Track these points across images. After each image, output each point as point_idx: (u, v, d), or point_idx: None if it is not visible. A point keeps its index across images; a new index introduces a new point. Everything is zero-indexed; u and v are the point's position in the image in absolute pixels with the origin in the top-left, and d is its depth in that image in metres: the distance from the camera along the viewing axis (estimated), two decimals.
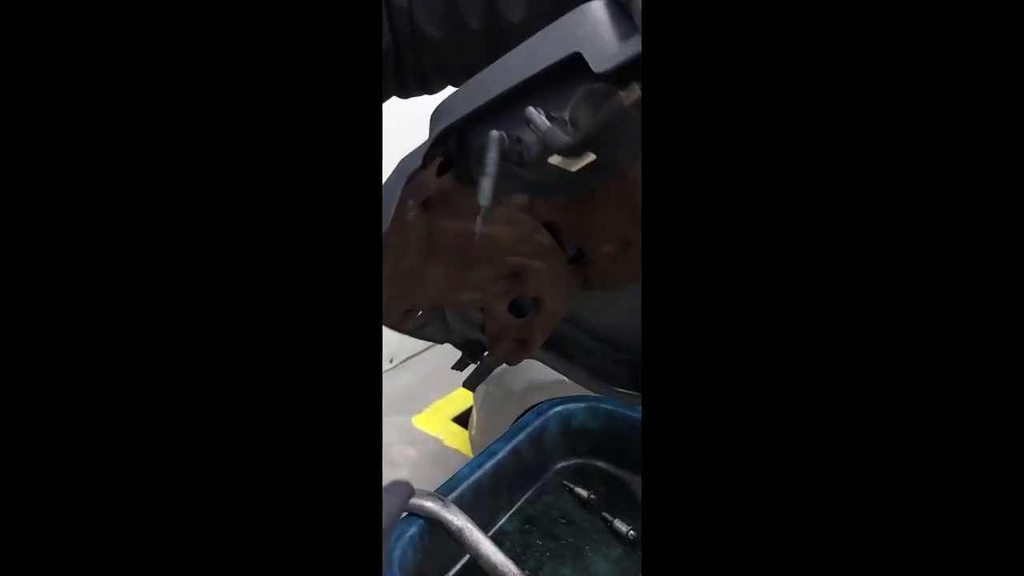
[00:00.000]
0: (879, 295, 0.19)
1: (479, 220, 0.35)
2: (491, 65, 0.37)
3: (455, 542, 0.50)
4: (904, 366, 0.19)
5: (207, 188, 0.21)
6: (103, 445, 0.20)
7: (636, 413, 0.63)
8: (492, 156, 0.35)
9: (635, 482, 0.62)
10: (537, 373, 1.13)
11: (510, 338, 0.57)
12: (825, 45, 0.19)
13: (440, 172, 0.40)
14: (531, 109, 0.33)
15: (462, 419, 1.71)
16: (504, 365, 0.59)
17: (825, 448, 0.19)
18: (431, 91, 0.47)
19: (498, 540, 0.57)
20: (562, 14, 0.37)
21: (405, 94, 0.49)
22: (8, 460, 0.20)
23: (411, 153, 0.39)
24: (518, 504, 0.61)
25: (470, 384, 0.62)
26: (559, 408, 0.64)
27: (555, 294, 0.54)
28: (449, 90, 0.41)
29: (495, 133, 0.35)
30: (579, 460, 0.65)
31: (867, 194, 0.19)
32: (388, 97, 0.49)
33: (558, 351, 0.62)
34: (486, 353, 0.60)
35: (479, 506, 0.56)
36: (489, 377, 0.99)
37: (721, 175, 0.20)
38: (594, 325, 0.62)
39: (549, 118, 0.34)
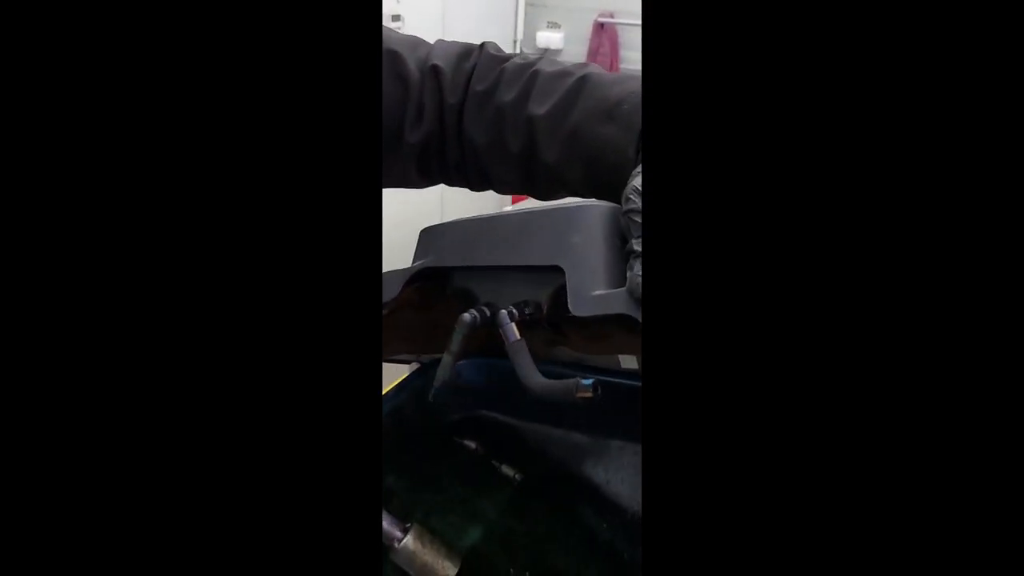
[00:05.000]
0: (879, 306, 0.19)
1: (435, 387, 0.37)
2: (489, 219, 0.38)
3: None
4: (900, 382, 0.19)
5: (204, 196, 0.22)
6: (102, 445, 0.21)
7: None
8: (458, 337, 0.36)
9: (523, 428, 0.63)
10: None
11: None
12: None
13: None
14: (503, 314, 0.34)
15: None
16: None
17: (827, 456, 0.20)
18: (472, 187, 0.48)
19: (384, 500, 0.57)
20: (593, 164, 0.38)
21: (428, 182, 0.50)
22: (7, 460, 0.20)
23: (392, 273, 0.41)
24: (408, 464, 0.61)
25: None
26: None
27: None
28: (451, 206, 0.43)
29: (466, 316, 0.36)
30: (468, 413, 0.65)
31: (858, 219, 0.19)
32: (409, 183, 0.50)
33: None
34: None
35: None
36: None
37: (720, 193, 0.21)
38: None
39: (521, 312, 0.35)
